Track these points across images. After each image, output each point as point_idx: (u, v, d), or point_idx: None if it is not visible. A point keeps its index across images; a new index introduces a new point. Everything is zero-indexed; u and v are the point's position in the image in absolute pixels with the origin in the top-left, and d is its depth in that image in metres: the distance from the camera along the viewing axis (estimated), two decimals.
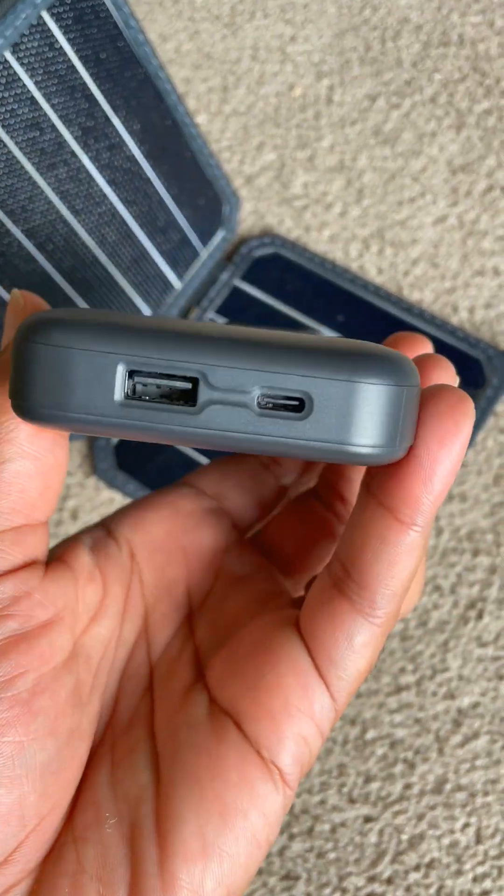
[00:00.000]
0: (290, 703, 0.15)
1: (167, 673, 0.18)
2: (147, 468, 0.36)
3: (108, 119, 0.31)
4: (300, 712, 0.15)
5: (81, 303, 0.33)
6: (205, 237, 0.38)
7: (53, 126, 0.29)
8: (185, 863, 0.15)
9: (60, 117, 0.29)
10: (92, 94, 0.30)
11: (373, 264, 0.39)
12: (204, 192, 0.37)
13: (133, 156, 0.33)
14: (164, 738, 0.16)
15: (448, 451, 0.14)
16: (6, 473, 0.15)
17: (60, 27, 0.28)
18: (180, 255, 0.37)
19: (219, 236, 0.39)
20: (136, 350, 0.14)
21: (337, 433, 0.14)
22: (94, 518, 0.36)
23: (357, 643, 0.15)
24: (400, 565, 0.15)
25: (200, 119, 0.43)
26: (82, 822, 0.16)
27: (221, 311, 0.39)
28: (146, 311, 0.37)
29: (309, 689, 0.15)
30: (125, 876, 0.15)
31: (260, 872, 0.30)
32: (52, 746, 0.15)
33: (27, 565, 0.16)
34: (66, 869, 0.15)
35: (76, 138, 0.30)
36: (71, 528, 0.36)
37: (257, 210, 0.41)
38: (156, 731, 0.17)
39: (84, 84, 0.30)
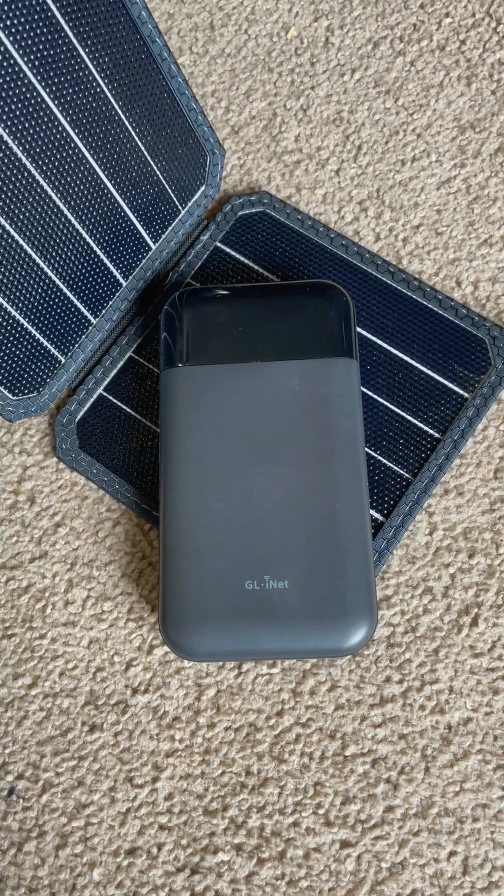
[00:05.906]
0: None
1: None
2: (113, 450, 0.32)
3: (72, 48, 0.27)
4: None
5: (42, 264, 0.29)
6: (184, 193, 0.34)
7: (6, 51, 0.25)
8: None
9: (14, 43, 0.25)
10: (54, 18, 0.26)
11: (370, 229, 0.35)
12: (184, 141, 0.33)
13: (101, 94, 0.29)
14: None
15: None
16: None
17: None
18: (156, 212, 0.33)
19: (199, 192, 0.35)
20: None
21: None
22: (54, 502, 0.33)
23: None
24: None
25: (183, 60, 0.39)
26: None
27: (198, 276, 0.35)
28: (117, 276, 0.33)
29: None
30: None
31: None
32: None
33: None
34: None
35: (33, 69, 0.26)
36: (28, 514, 0.32)
37: (244, 164, 0.37)
38: None
39: (44, 4, 0.26)
